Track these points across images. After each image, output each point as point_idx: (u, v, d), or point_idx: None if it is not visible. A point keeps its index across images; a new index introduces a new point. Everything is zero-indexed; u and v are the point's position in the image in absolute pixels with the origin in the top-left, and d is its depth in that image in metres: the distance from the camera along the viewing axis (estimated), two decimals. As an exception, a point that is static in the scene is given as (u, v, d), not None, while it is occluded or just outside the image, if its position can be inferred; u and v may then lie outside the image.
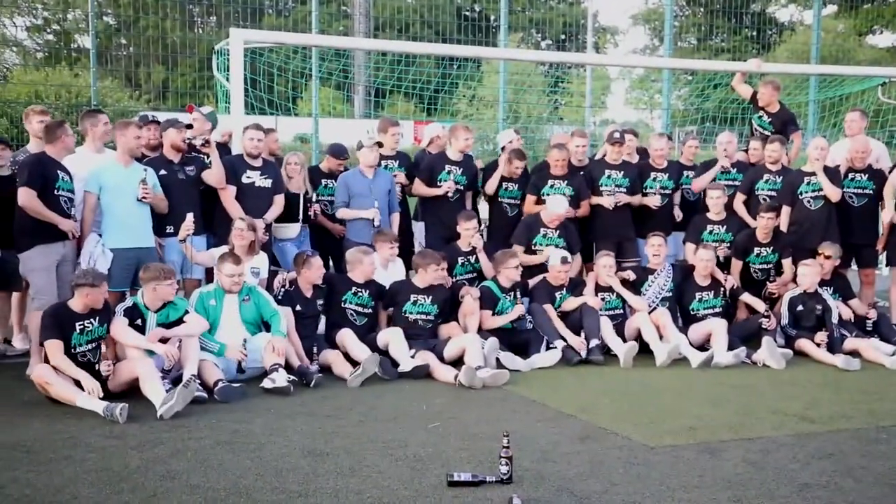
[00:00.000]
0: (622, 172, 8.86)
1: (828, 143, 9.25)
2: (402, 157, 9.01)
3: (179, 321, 6.39)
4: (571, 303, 8.02)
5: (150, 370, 5.90)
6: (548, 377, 7.07)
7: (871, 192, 8.90)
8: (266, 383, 6.36)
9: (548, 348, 7.61)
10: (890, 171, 8.96)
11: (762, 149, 9.22)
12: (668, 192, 9.05)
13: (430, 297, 7.54)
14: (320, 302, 7.36)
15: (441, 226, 8.61)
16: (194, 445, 5.04)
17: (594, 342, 7.61)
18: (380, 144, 8.43)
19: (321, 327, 7.55)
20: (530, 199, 8.80)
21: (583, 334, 7.70)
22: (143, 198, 6.99)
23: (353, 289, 7.48)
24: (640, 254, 8.71)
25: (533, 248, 8.40)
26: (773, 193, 8.94)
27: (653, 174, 9.06)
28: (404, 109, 18.41)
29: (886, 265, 9.40)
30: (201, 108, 8.35)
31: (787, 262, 8.57)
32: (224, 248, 7.25)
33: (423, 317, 7.51)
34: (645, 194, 8.95)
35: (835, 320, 8.01)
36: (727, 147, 9.30)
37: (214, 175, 7.61)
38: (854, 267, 9.19)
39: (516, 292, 7.94)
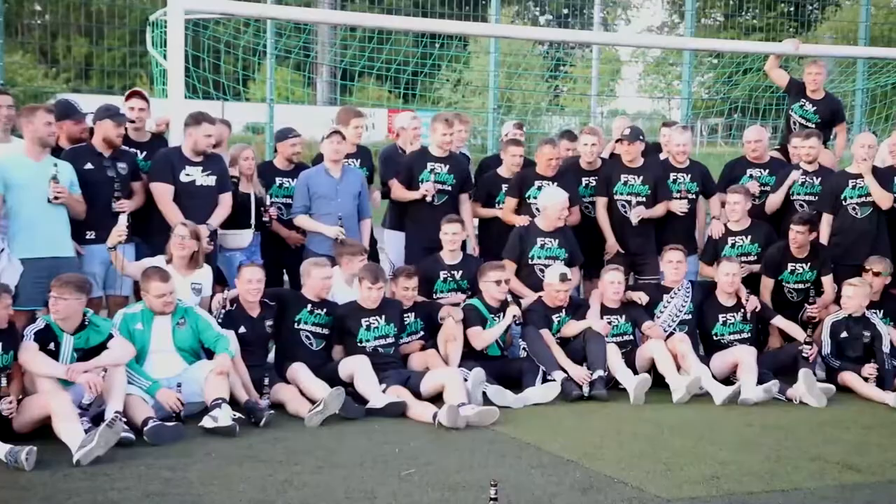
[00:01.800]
0: (640, 178, 8.88)
1: (877, 139, 9.31)
2: (364, 154, 9.00)
3: (102, 347, 6.32)
4: (572, 327, 8.02)
5: (64, 406, 5.82)
6: (544, 415, 7.05)
7: None
8: (206, 422, 6.31)
9: (544, 381, 7.60)
10: None
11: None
12: (692, 195, 9.07)
13: (383, 317, 7.53)
14: (269, 323, 7.33)
15: (423, 236, 8.62)
16: (117, 497, 4.98)
17: (599, 374, 7.61)
18: (341, 136, 8.40)
19: (271, 356, 7.53)
20: (510, 202, 8.81)
21: (585, 365, 7.70)
22: (55, 198, 6.94)
23: (309, 307, 7.46)
24: (660, 271, 8.71)
25: (530, 262, 8.40)
26: (811, 198, 8.99)
27: (672, 175, 9.10)
28: (377, 96, 18.44)
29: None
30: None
31: (827, 280, 8.60)
32: (160, 259, 7.20)
33: (382, 341, 7.50)
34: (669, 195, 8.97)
35: (886, 349, 8.03)
36: (756, 146, 9.34)
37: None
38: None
39: (508, 304, 7.93)
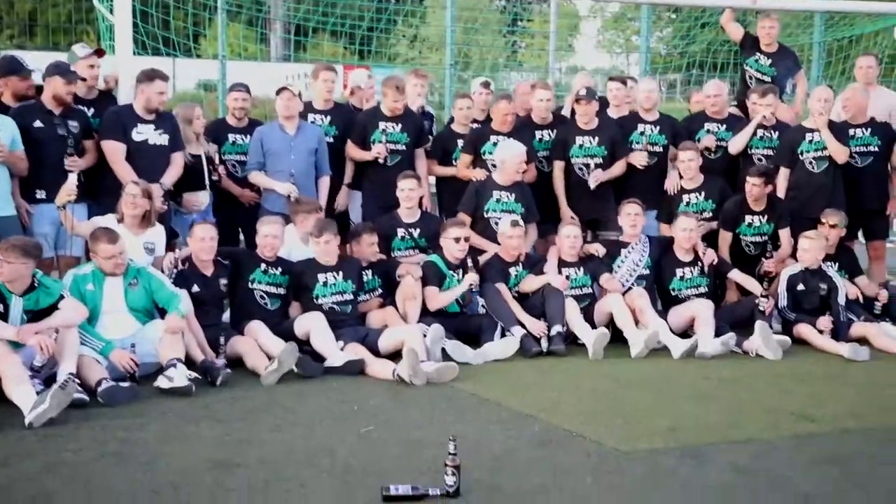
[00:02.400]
0: (596, 139, 8.88)
1: (833, 93, 9.38)
2: (337, 112, 8.93)
3: (53, 308, 6.26)
4: (530, 282, 8.06)
5: (15, 368, 5.76)
6: (503, 371, 7.09)
7: (876, 149, 9.00)
8: (162, 382, 6.27)
9: (503, 336, 7.65)
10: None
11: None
12: (658, 148, 9.09)
13: (341, 273, 7.52)
14: (223, 282, 7.28)
15: (379, 196, 8.60)
16: (72, 459, 4.95)
17: (557, 329, 7.65)
18: (296, 94, 8.34)
19: (227, 315, 7.46)
20: (465, 158, 8.80)
21: (544, 320, 7.75)
22: None
23: (263, 266, 7.44)
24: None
25: (485, 216, 8.41)
26: (769, 153, 9.06)
27: (640, 126, 9.11)
28: (331, 52, 18.28)
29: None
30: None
31: (784, 234, 8.69)
32: (111, 219, 7.12)
33: (339, 298, 7.49)
34: (630, 151, 9.00)
35: (841, 302, 8.14)
36: (715, 100, 9.37)
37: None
38: (861, 239, 9.37)
39: (467, 269, 7.96)
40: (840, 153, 8.76)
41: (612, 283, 8.11)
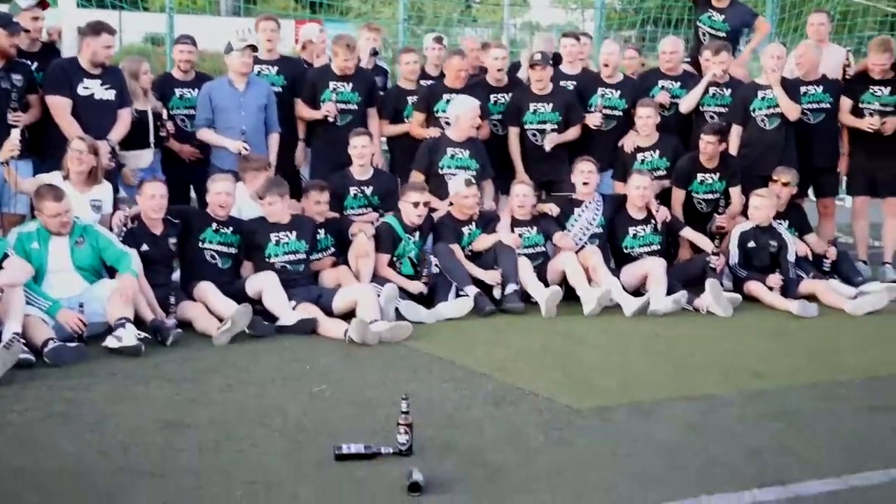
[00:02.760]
0: (550, 105, 8.85)
1: (786, 50, 9.43)
2: (285, 64, 8.85)
3: (-3, 267, 6.17)
4: (483, 241, 8.07)
5: (-40, 328, 5.69)
6: (457, 330, 7.12)
7: (828, 105, 9.07)
8: (110, 342, 6.22)
9: (457, 296, 7.67)
10: (845, 80, 9.18)
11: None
12: (618, 112, 9.06)
13: (295, 232, 7.48)
14: (173, 241, 7.21)
15: (329, 155, 8.55)
16: (18, 420, 4.92)
17: (511, 287, 7.68)
18: (253, 48, 8.24)
19: (177, 274, 7.44)
20: (418, 117, 8.76)
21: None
22: None
23: (214, 225, 7.37)
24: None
25: (440, 172, 8.38)
26: (721, 110, 9.10)
27: (600, 90, 9.08)
28: (282, 6, 18.10)
29: (848, 193, 9.74)
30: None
31: (735, 191, 8.75)
32: (57, 175, 7.02)
33: (292, 257, 7.45)
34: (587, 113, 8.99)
35: (791, 259, 8.25)
36: (671, 57, 9.38)
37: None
38: (811, 197, 9.48)
39: (424, 232, 7.95)
40: (792, 110, 8.83)
41: (566, 241, 8.14)
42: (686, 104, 9.13)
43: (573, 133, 8.92)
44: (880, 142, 9.00)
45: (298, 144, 8.71)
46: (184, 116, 8.43)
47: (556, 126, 8.83)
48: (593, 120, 8.93)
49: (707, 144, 8.57)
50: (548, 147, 8.74)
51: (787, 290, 8.04)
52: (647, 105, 8.82)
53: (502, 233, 8.07)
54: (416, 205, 7.81)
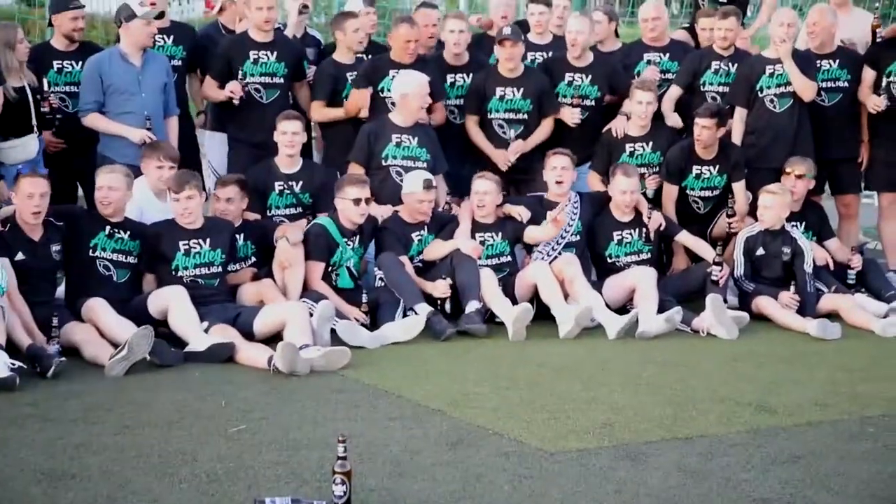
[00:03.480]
0: (521, 90, 8.86)
1: (799, 17, 9.49)
2: (181, 31, 8.87)
3: None
4: (437, 248, 8.09)
5: None
6: (405, 357, 7.12)
7: (845, 83, 9.15)
8: (-25, 374, 6.16)
9: (405, 315, 7.67)
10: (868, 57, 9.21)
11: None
12: (590, 101, 9.10)
13: (208, 240, 7.46)
14: (56, 248, 7.17)
15: (249, 137, 8.57)
16: None
17: (473, 305, 7.70)
18: (160, 16, 8.20)
19: (61, 289, 7.40)
20: (356, 95, 8.71)
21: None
22: None
23: (107, 229, 7.33)
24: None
25: (383, 164, 8.39)
26: (726, 90, 9.16)
27: (567, 76, 9.11)
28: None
29: (867, 189, 9.81)
30: None
31: (739, 187, 8.81)
32: None
33: (205, 270, 7.43)
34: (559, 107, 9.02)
35: (808, 269, 8.30)
36: (654, 24, 9.43)
37: None
38: (829, 194, 9.57)
39: (365, 237, 7.94)
40: (807, 89, 8.85)
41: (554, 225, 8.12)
42: (667, 99, 9.14)
43: (543, 133, 8.96)
44: None
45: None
46: (63, 94, 8.34)
47: (526, 116, 8.86)
48: (570, 117, 8.94)
49: (703, 130, 8.58)
50: (512, 158, 8.73)
51: (804, 308, 8.09)
52: (646, 89, 8.81)
53: (460, 239, 8.10)
54: (356, 202, 7.79)
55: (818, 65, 9.09)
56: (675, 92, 9.21)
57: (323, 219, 7.92)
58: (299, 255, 7.64)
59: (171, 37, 8.72)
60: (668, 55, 9.43)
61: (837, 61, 9.14)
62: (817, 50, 9.17)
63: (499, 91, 8.86)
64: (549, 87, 9.02)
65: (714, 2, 9.88)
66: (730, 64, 9.19)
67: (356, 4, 9.55)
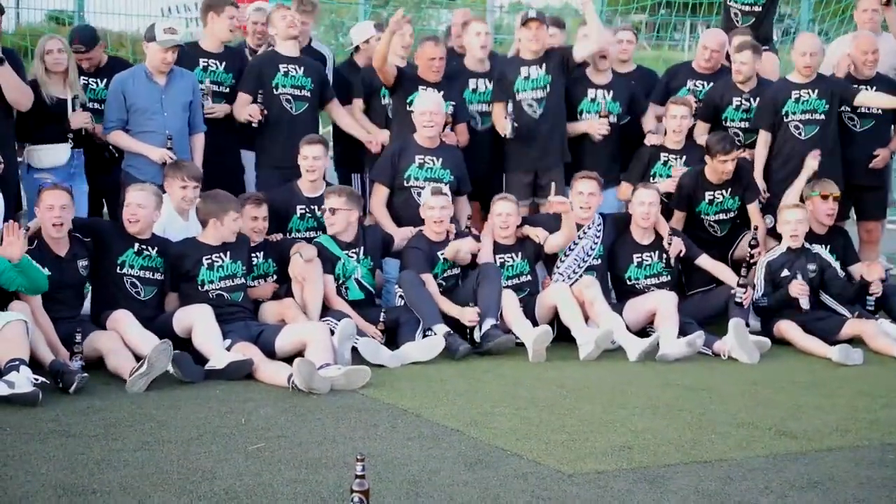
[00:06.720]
0: (543, 67, 8.84)
1: (823, 42, 9.47)
2: (233, 56, 8.91)
3: None
4: (457, 247, 8.10)
5: None
6: (424, 376, 7.13)
7: (879, 111, 9.13)
8: (0, 388, 6.19)
9: (424, 335, 7.68)
10: None
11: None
12: (613, 118, 9.08)
13: (228, 253, 7.51)
14: (83, 264, 7.21)
15: (277, 158, 8.62)
16: None
17: (490, 322, 7.70)
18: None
19: (86, 304, 7.42)
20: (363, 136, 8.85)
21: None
22: None
23: (136, 245, 7.36)
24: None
25: (405, 185, 8.44)
26: (749, 127, 9.15)
27: (591, 92, 9.12)
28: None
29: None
30: None
31: (752, 208, 8.81)
32: None
33: (229, 283, 7.48)
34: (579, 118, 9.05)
35: (840, 273, 8.33)
36: (713, 55, 9.38)
37: None
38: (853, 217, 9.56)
39: (368, 248, 8.00)
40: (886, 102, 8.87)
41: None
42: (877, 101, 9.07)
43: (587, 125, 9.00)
44: None
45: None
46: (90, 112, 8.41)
47: (548, 92, 8.82)
48: (598, 129, 8.94)
49: (727, 164, 8.55)
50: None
51: (826, 332, 8.08)
52: (680, 103, 8.88)
53: (483, 260, 8.14)
54: (332, 212, 7.86)
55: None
56: (702, 128, 9.21)
57: (321, 237, 8.00)
58: (315, 271, 7.66)
59: (224, 63, 8.75)
60: (711, 83, 9.40)
61: (874, 87, 9.12)
62: (856, 75, 9.16)
63: (523, 71, 8.84)
64: (571, 59, 8.91)
65: (753, 7, 9.84)
66: (751, 100, 9.17)
67: (367, 29, 9.60)
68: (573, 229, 8.17)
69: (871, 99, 8.91)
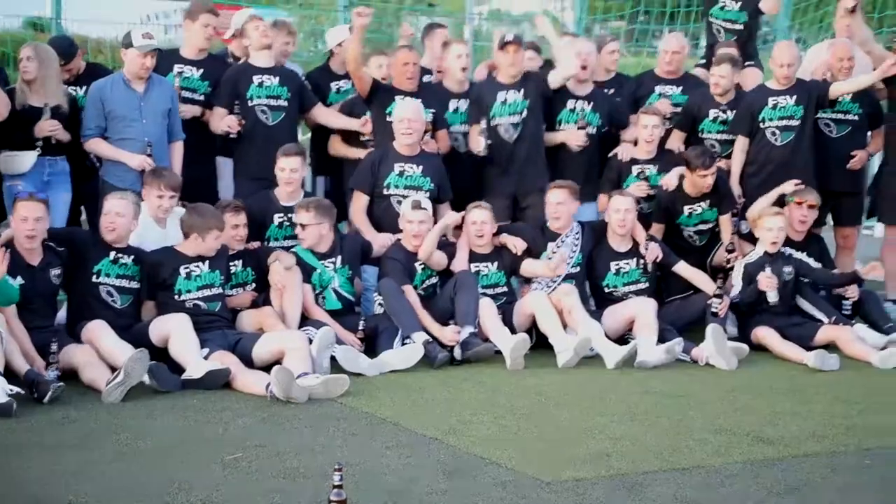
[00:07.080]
0: (521, 91, 8.85)
1: (800, 49, 9.52)
2: (212, 65, 8.88)
3: None
4: (430, 239, 8.08)
5: None
6: (403, 385, 7.13)
7: (856, 117, 9.22)
8: (-26, 400, 6.16)
9: (403, 343, 7.68)
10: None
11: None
12: (592, 130, 9.09)
13: (207, 263, 7.49)
14: (55, 272, 7.19)
15: (254, 169, 8.60)
16: None
17: (468, 330, 7.71)
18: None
19: (62, 314, 7.41)
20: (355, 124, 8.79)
21: (453, 322, 7.81)
22: None
23: (112, 254, 7.34)
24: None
25: (385, 193, 8.45)
26: (726, 137, 9.19)
27: (570, 102, 9.12)
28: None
29: (878, 220, 9.84)
30: None
31: (724, 220, 8.86)
32: None
33: (207, 292, 7.46)
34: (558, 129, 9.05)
35: (816, 265, 8.43)
36: (673, 58, 9.45)
37: None
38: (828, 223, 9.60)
39: (346, 257, 8.00)
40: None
41: (543, 268, 8.15)
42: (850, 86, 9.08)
43: (567, 134, 8.98)
44: None
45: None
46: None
47: (525, 116, 8.80)
48: (577, 139, 8.95)
49: (706, 178, 8.58)
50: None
51: (803, 338, 8.11)
52: (651, 113, 8.91)
53: (459, 268, 8.15)
54: (302, 227, 7.88)
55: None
56: (677, 137, 9.25)
57: (297, 246, 7.99)
58: (294, 279, 7.66)
59: (201, 70, 8.73)
60: (680, 88, 9.46)
61: (850, 95, 9.16)
62: (832, 82, 9.18)
63: (500, 95, 8.84)
64: (549, 90, 8.94)
65: (734, 24, 9.88)
66: (727, 111, 9.20)
67: (342, 33, 9.60)
68: (552, 274, 8.18)
69: (846, 85, 8.95)
